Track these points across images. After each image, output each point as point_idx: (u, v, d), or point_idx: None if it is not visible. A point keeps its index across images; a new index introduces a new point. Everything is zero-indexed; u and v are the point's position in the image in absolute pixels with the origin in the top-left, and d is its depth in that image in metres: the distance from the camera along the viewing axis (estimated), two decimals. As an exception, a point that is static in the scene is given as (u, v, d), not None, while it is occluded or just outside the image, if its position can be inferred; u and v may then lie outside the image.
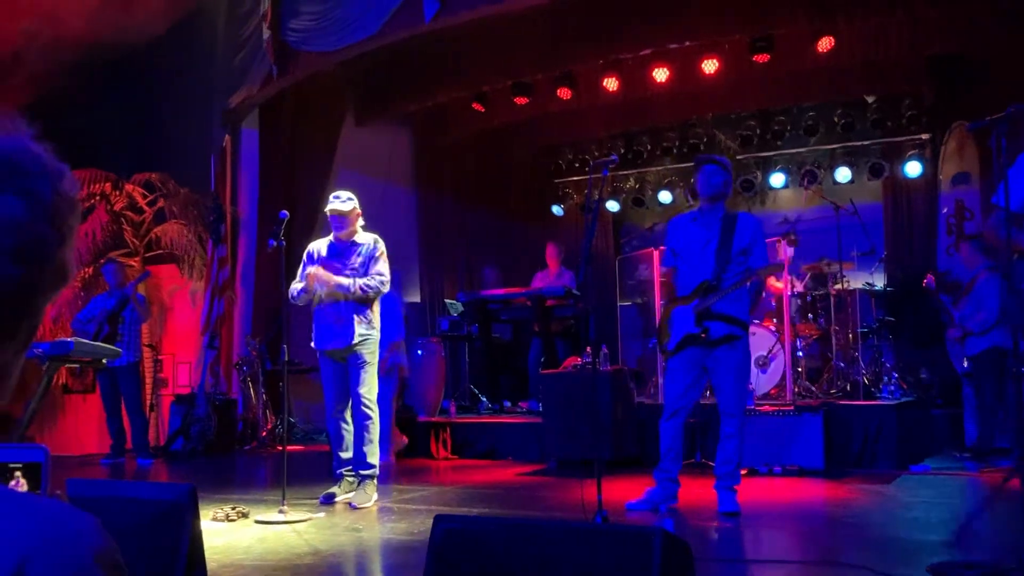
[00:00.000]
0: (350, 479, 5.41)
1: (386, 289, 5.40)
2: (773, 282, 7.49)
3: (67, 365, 6.48)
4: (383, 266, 5.39)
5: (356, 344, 5.30)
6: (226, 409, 8.64)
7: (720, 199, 4.91)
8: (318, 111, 9.65)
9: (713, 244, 4.85)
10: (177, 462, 8.07)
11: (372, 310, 5.38)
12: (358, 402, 5.32)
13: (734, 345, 4.79)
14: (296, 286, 5.41)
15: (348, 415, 5.42)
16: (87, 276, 9.21)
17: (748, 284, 4.84)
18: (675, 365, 4.93)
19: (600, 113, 10.24)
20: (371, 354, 5.35)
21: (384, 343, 7.36)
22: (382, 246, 5.45)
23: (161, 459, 8.19)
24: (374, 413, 5.35)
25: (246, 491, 5.95)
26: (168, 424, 8.81)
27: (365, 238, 5.45)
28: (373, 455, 5.36)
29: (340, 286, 5.30)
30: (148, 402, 8.86)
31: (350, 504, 5.19)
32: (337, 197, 5.42)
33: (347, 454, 5.42)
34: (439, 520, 2.00)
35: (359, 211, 5.45)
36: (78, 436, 9.24)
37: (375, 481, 5.40)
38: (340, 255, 5.39)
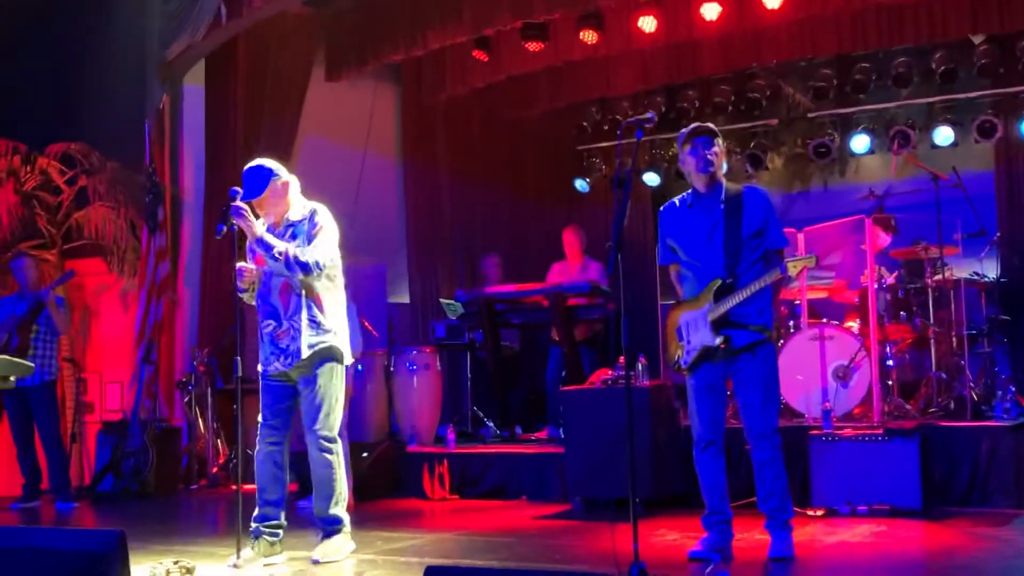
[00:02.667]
0: (270, 538, 5.19)
1: (322, 273, 5.12)
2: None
3: (-35, 384, 6.57)
4: (324, 244, 5.13)
5: (308, 359, 5.11)
6: (167, 439, 8.67)
7: (717, 176, 4.99)
8: (279, 63, 9.66)
9: (719, 232, 4.91)
10: (106, 506, 8.10)
11: (326, 306, 5.19)
12: (315, 442, 5.15)
13: (757, 352, 4.89)
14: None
15: (284, 455, 5.22)
16: (-9, 273, 9.26)
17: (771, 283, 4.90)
18: (697, 384, 5.01)
19: (634, 61, 10.22)
20: (327, 373, 5.16)
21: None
22: (324, 215, 5.22)
23: (86, 502, 8.22)
24: (336, 454, 5.19)
25: (192, 540, 5.98)
26: (95, 458, 8.85)
27: (300, 212, 5.25)
28: (339, 506, 5.23)
29: (263, 244, 5.05)
30: (69, 431, 8.90)
31: (312, 559, 5.12)
32: (245, 176, 5.19)
33: (275, 509, 5.21)
34: (431, 573, 2.01)
35: (286, 179, 5.23)
36: (-18, 474, 9.30)
37: (347, 536, 5.28)
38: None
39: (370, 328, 8.26)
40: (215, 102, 9.63)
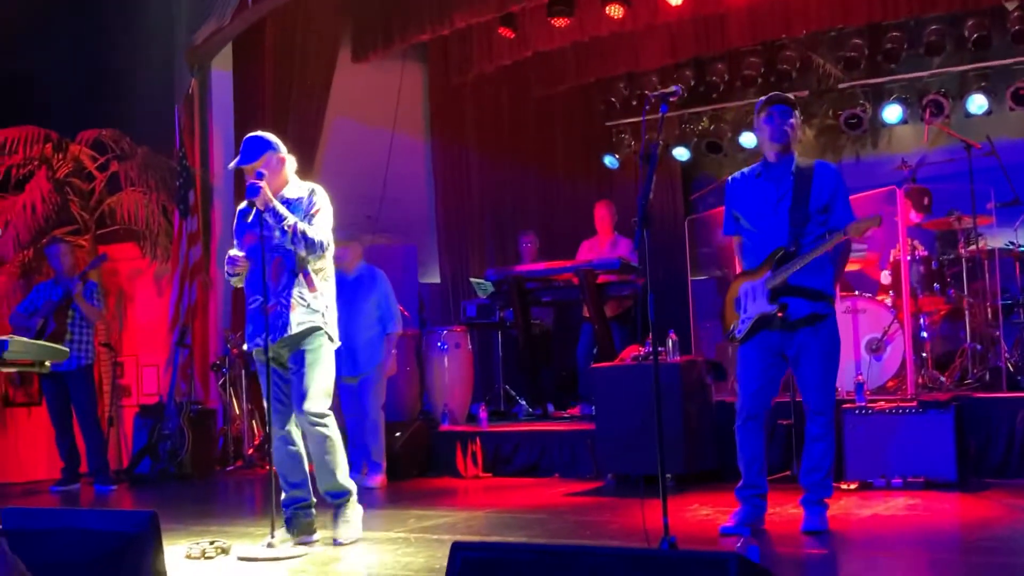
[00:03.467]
0: (302, 519, 5.23)
1: (323, 255, 5.14)
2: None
3: (4, 370, 6.67)
4: (324, 223, 5.13)
5: (295, 335, 5.08)
6: (202, 421, 8.76)
7: (791, 147, 4.95)
8: (306, 45, 9.70)
9: (786, 202, 4.87)
10: (143, 488, 8.21)
11: (317, 286, 5.15)
12: (307, 420, 5.08)
13: (819, 327, 4.84)
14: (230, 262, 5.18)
15: (296, 434, 5.22)
16: (27, 260, 9.38)
17: (832, 249, 4.85)
18: (747, 355, 4.99)
19: (661, 35, 10.18)
20: (315, 350, 5.12)
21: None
22: (322, 196, 5.21)
23: (124, 484, 8.34)
24: (329, 427, 5.14)
25: (229, 521, 6.05)
26: (132, 442, 8.96)
27: (297, 190, 5.22)
28: (342, 476, 5.20)
29: (274, 214, 5.02)
30: (106, 415, 9.02)
31: (335, 540, 5.14)
32: (244, 144, 5.20)
33: (299, 490, 5.24)
34: (457, 548, 2.03)
35: (283, 155, 5.21)
36: (22, 459, 9.44)
37: (355, 503, 5.26)
38: (264, 220, 5.10)
39: (401, 308, 8.30)
40: (243, 86, 9.68)
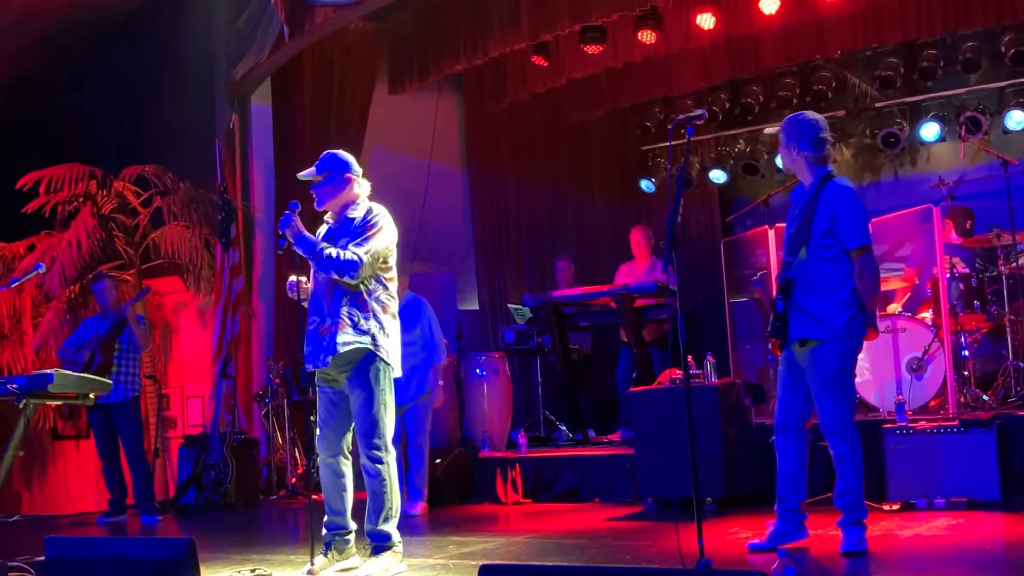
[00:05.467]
0: (341, 545, 5.16)
1: (359, 269, 4.97)
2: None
3: (50, 403, 6.78)
4: (370, 242, 5.00)
5: (348, 358, 4.99)
6: (246, 451, 8.85)
7: (798, 167, 5.00)
8: (343, 78, 9.85)
9: (794, 226, 4.95)
10: (189, 518, 8.30)
11: (371, 309, 5.05)
12: (366, 450, 4.98)
13: (818, 349, 4.84)
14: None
15: (344, 460, 5.15)
16: (73, 295, 9.55)
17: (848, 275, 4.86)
18: (780, 369, 5.07)
19: (695, 59, 10.20)
20: (376, 380, 5.00)
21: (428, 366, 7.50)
22: (380, 216, 5.10)
23: (170, 515, 8.43)
24: (387, 465, 5.01)
25: (271, 550, 6.08)
26: (177, 472, 9.06)
27: (360, 211, 5.15)
28: (390, 522, 5.03)
29: (304, 243, 5.02)
30: (152, 447, 9.12)
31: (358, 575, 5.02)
32: (319, 160, 5.25)
33: (339, 517, 5.17)
34: (486, 571, 2.05)
35: (351, 175, 5.18)
36: (71, 491, 9.57)
37: (395, 551, 5.05)
38: (330, 238, 5.10)
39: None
40: (282, 119, 9.83)
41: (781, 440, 5.02)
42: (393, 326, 5.14)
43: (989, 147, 8.51)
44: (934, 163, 10.36)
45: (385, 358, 5.04)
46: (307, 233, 5.09)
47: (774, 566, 3.98)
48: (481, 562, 5.20)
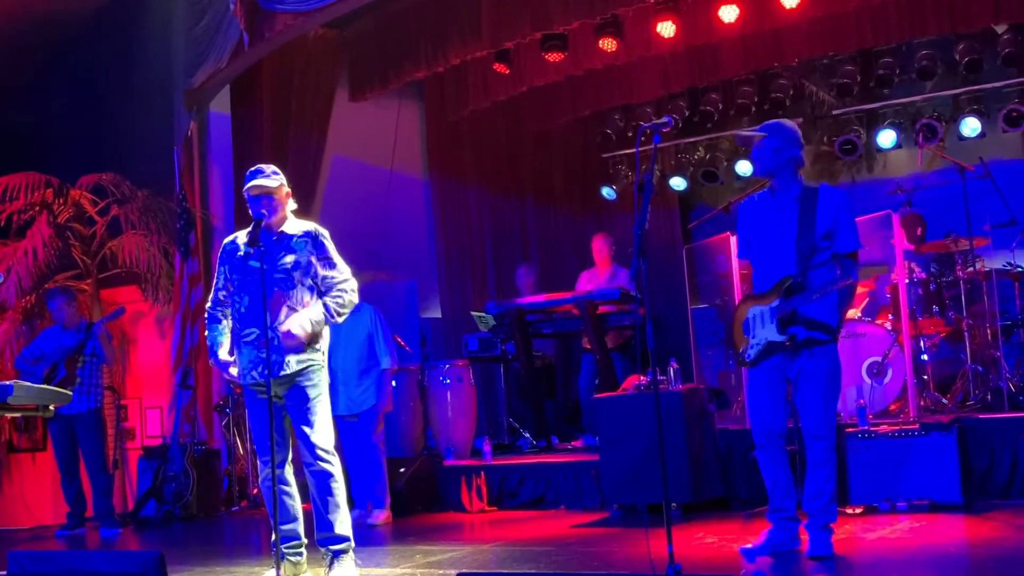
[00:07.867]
0: (294, 559, 5.15)
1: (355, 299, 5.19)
2: None
3: (8, 415, 6.68)
4: (341, 262, 5.17)
5: (293, 372, 5.04)
6: (207, 462, 8.76)
7: (784, 172, 4.99)
8: (303, 85, 9.79)
9: (792, 229, 4.90)
10: (149, 530, 8.20)
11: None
12: (313, 455, 5.03)
13: (816, 351, 4.87)
14: (218, 352, 5.27)
15: (289, 473, 5.14)
16: (29, 305, 9.40)
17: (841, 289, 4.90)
18: (757, 379, 5.02)
19: (655, 67, 10.24)
20: (316, 385, 5.11)
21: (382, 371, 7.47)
22: (329, 241, 5.20)
23: (130, 528, 8.32)
24: (334, 466, 5.08)
25: (234, 561, 6.05)
26: (137, 484, 8.95)
27: (296, 227, 5.18)
28: (344, 523, 5.08)
29: (314, 324, 5.05)
30: (111, 458, 9.00)
31: None
32: (260, 171, 5.15)
33: (291, 526, 5.14)
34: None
35: (288, 190, 5.21)
36: (28, 504, 9.42)
37: (352, 554, 5.12)
38: (265, 253, 5.03)
39: (403, 344, 8.31)
40: (241, 126, 9.74)
41: (767, 453, 5.01)
42: (327, 333, 5.27)
43: (947, 154, 8.61)
44: (891, 169, 10.49)
45: (323, 362, 5.16)
46: (309, 318, 5.03)
47: (742, 572, 4.01)
48: (448, 571, 5.20)
